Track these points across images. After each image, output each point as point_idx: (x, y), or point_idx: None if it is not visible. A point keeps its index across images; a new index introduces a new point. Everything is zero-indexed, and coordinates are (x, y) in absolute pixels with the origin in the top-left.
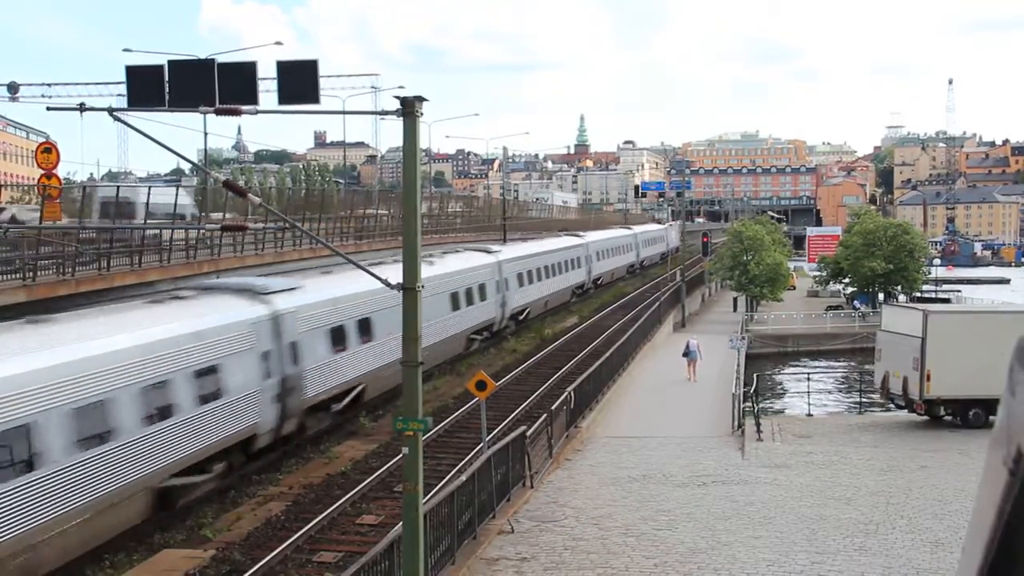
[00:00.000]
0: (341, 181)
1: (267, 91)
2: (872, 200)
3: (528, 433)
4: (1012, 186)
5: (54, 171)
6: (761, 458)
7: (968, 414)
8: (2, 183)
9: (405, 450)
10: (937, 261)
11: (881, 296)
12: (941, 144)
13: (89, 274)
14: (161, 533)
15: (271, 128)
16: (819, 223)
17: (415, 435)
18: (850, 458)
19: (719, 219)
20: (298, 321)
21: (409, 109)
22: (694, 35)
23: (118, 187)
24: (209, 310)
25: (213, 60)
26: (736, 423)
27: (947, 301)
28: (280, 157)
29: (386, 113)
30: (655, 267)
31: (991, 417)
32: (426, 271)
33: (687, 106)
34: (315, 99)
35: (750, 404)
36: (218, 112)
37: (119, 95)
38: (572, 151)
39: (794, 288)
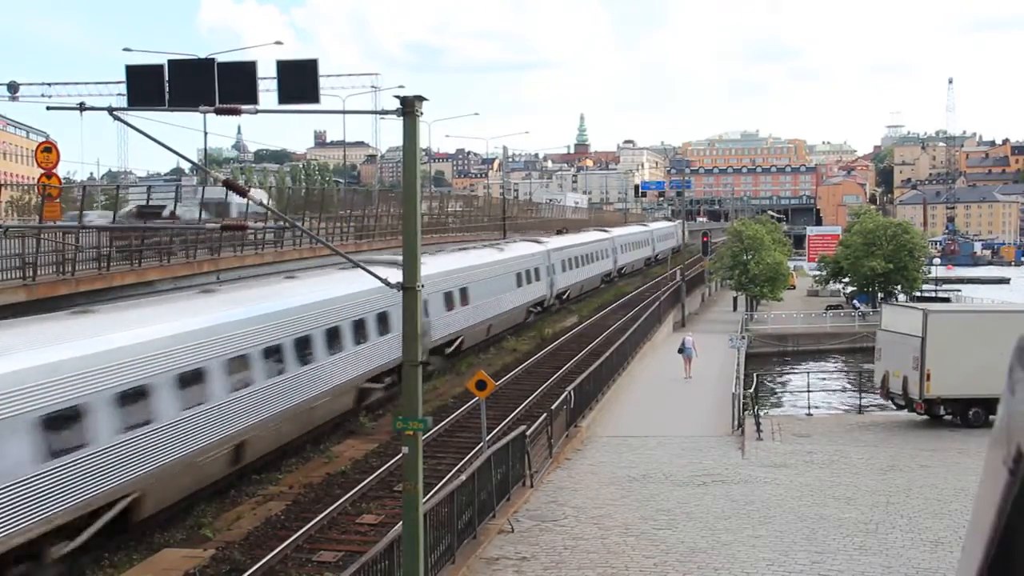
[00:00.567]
0: (341, 181)
1: (267, 91)
2: (872, 199)
3: (528, 433)
4: (1012, 185)
5: (54, 170)
6: (761, 457)
7: (968, 413)
8: (2, 182)
9: (405, 450)
10: (937, 261)
11: (881, 295)
12: (941, 143)
13: (89, 273)
14: (161, 532)
15: (271, 128)
16: (819, 222)
17: (415, 435)
18: (850, 457)
19: (719, 218)
20: (426, 286)
21: (409, 108)
22: (694, 34)
23: (178, 186)
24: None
25: (213, 60)
26: (736, 422)
27: (947, 300)
28: (280, 157)
29: (386, 112)
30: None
31: (991, 417)
32: (498, 255)
33: (687, 105)
34: (315, 99)
35: (749, 403)
36: (218, 112)
37: (119, 95)
38: (572, 150)
39: (794, 287)
